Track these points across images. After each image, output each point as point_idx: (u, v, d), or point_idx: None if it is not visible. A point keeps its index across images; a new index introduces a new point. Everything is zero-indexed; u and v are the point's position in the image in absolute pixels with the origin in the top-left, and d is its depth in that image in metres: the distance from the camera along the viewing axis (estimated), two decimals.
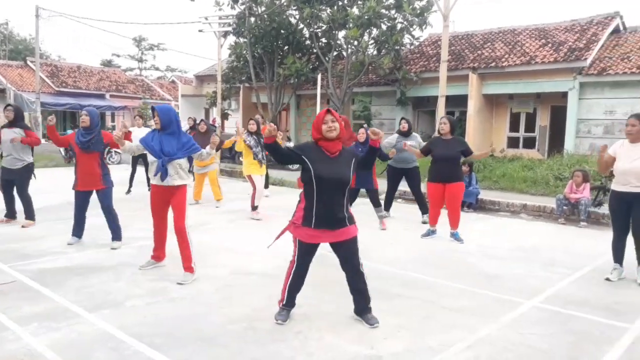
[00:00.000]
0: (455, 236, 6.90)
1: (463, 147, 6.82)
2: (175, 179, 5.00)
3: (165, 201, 5.11)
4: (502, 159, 15.68)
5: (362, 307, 3.99)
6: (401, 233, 7.48)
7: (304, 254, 3.90)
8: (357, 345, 3.57)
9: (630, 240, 5.21)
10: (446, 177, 6.74)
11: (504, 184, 12.04)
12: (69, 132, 18.12)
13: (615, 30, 17.39)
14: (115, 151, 17.58)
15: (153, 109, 5.00)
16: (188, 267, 5.02)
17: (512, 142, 18.11)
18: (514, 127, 18.11)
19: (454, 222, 6.91)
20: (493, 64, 16.84)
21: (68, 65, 34.57)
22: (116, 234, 6.26)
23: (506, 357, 3.44)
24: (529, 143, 17.79)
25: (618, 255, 5.28)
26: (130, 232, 6.83)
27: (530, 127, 17.80)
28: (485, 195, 10.29)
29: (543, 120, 17.54)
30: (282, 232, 3.98)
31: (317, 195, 3.69)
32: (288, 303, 4.05)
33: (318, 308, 4.19)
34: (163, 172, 4.92)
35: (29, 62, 32.15)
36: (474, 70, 16.89)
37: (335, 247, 3.87)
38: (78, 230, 6.34)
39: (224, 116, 23.66)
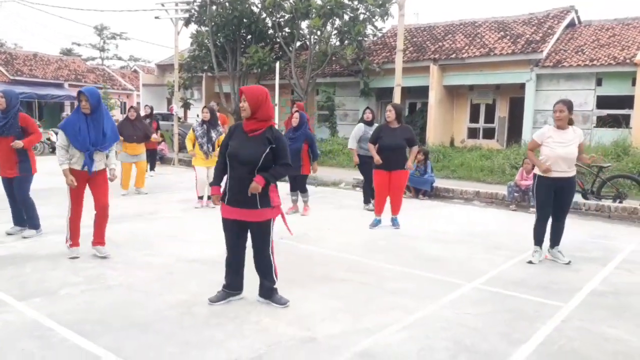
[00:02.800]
0: (394, 222, 6.92)
1: (408, 135, 6.78)
2: (101, 165, 5.03)
3: (84, 185, 5.08)
4: (462, 149, 15.93)
5: (266, 289, 3.96)
6: (357, 220, 7.48)
7: (225, 229, 3.92)
8: (294, 328, 3.54)
9: None
10: (392, 165, 6.69)
11: (461, 173, 12.23)
12: None
13: (571, 24, 17.84)
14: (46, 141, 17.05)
15: (79, 92, 4.85)
16: (102, 242, 5.20)
17: (472, 133, 18.42)
18: (474, 118, 18.41)
19: (395, 208, 6.95)
20: (453, 56, 17.04)
21: (24, 53, 33.33)
22: (31, 223, 5.96)
23: (441, 336, 3.47)
24: (489, 133, 18.12)
25: (540, 238, 5.41)
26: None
27: (489, 118, 18.12)
28: (442, 183, 10.41)
29: (502, 111, 17.88)
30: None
31: (229, 173, 3.79)
32: (226, 284, 4.02)
33: (257, 293, 4.13)
34: (89, 164, 4.89)
35: None
36: (434, 61, 17.07)
37: (249, 226, 3.85)
38: (16, 219, 6.07)
39: (186, 106, 23.27)
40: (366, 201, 8.41)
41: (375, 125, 8.19)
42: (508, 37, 17.11)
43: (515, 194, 8.83)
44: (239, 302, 3.98)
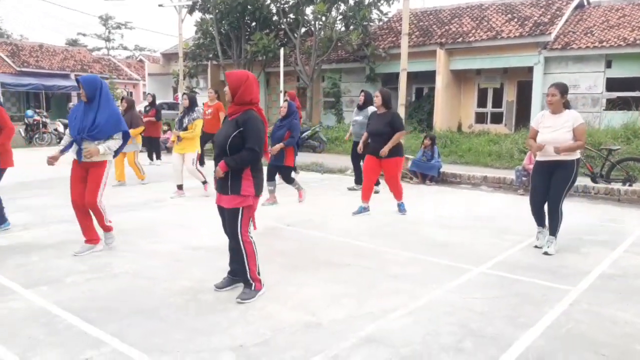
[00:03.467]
0: (400, 207, 6.85)
1: (389, 119, 6.47)
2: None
3: (82, 177, 4.83)
4: (469, 134, 15.81)
5: (242, 279, 3.85)
6: (356, 206, 7.42)
7: (218, 212, 3.93)
8: (298, 313, 3.53)
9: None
10: (379, 151, 6.50)
11: (469, 158, 12.14)
12: (29, 112, 17.59)
13: (579, 5, 17.55)
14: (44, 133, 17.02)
15: (77, 80, 4.79)
16: (105, 227, 5.02)
17: (480, 118, 18.27)
18: (482, 102, 18.25)
19: (396, 195, 6.83)
20: (460, 39, 16.85)
21: (29, 44, 33.36)
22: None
23: (445, 321, 3.44)
24: (497, 118, 17.96)
25: (538, 218, 5.32)
26: None
27: (497, 102, 17.95)
28: (449, 169, 10.34)
29: (510, 95, 17.70)
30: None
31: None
32: (230, 270, 4.03)
33: (262, 277, 4.12)
34: (78, 153, 4.73)
35: None
36: (441, 45, 16.88)
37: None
38: None
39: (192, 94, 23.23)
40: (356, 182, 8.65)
41: (368, 109, 8.14)
42: (515, 20, 16.87)
43: (523, 178, 8.75)
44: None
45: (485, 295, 3.91)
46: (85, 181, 4.83)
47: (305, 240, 5.54)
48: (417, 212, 6.97)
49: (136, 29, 70.15)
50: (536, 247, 5.23)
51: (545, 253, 5.03)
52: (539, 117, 5.20)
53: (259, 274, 3.85)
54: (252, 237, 3.79)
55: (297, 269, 4.47)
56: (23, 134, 16.81)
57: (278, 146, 7.15)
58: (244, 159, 3.60)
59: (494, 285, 4.15)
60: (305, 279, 4.23)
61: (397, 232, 5.95)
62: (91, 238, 4.99)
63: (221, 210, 3.86)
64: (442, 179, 9.83)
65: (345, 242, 5.42)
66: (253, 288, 3.80)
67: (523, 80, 17.06)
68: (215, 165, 3.70)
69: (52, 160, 4.87)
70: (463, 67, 17.33)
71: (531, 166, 8.58)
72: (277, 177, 7.44)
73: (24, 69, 29.25)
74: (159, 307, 3.64)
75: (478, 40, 16.52)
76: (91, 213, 4.93)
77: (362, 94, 8.30)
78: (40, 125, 16.92)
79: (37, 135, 16.75)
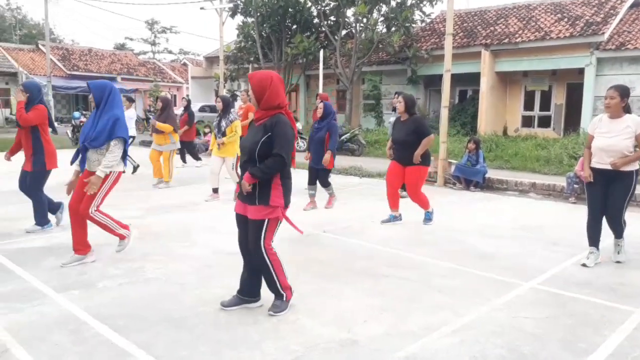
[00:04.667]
0: (425, 216, 6.44)
1: (412, 127, 6.04)
2: (97, 165, 4.50)
3: (85, 184, 4.50)
4: (515, 138, 15.22)
5: (271, 292, 3.59)
6: (403, 212, 7.13)
7: (236, 222, 3.65)
8: (333, 329, 3.32)
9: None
10: (404, 160, 6.14)
11: (515, 164, 11.62)
12: (76, 114, 18.11)
13: (635, 4, 16.65)
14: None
15: (88, 85, 4.58)
16: (118, 234, 4.77)
17: (527, 121, 17.61)
18: (529, 105, 17.59)
19: (420, 205, 6.39)
20: (506, 40, 16.27)
21: (79, 48, 34.57)
22: (37, 218, 5.75)
23: (493, 342, 3.15)
24: (544, 122, 17.26)
25: (594, 237, 4.82)
26: (122, 212, 6.64)
27: (545, 105, 17.26)
28: (494, 174, 9.90)
29: (559, 98, 16.97)
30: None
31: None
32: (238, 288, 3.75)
33: (296, 289, 3.92)
34: (82, 162, 4.53)
35: (40, 46, 32.17)
36: (486, 47, 16.35)
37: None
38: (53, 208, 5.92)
39: (233, 97, 23.41)
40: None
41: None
42: (566, 20, 16.15)
43: (575, 186, 8.25)
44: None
45: (537, 315, 3.59)
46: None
47: (343, 248, 5.32)
48: (460, 220, 6.64)
49: (181, 33, 71.75)
50: (584, 265, 4.72)
51: (618, 262, 4.72)
52: (596, 121, 4.79)
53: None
54: (274, 248, 3.53)
55: (333, 279, 4.26)
56: (70, 135, 17.29)
57: (328, 156, 6.94)
58: (271, 167, 3.33)
59: (546, 304, 3.81)
60: (341, 290, 4.01)
61: (439, 241, 5.65)
62: (78, 247, 4.66)
63: (241, 220, 3.59)
64: (487, 185, 9.40)
65: (384, 251, 5.16)
66: (284, 299, 3.60)
67: (573, 83, 16.31)
68: (242, 173, 3.45)
69: (71, 189, 4.61)
70: (509, 69, 16.72)
71: (583, 172, 8.12)
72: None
73: (73, 73, 30.33)
74: (187, 316, 3.50)
75: (525, 41, 15.89)
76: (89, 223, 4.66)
77: (396, 96, 8.00)
78: None
79: None
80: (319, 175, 7.19)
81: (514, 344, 3.12)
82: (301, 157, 7.41)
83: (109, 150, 4.48)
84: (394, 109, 7.96)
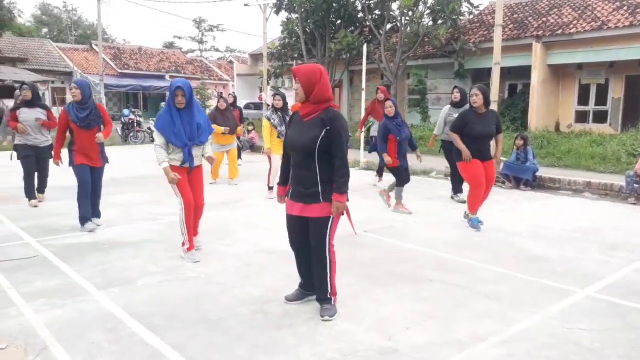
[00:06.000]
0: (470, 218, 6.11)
1: (497, 121, 6.04)
2: (199, 161, 4.86)
3: (186, 179, 4.76)
4: (569, 135, 14.53)
5: (319, 294, 3.53)
6: (448, 212, 6.92)
7: (287, 223, 3.61)
8: (373, 336, 3.17)
9: None
10: (485, 155, 5.94)
11: (568, 161, 11.07)
12: (125, 112, 18.59)
13: None
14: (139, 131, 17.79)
15: (178, 87, 4.56)
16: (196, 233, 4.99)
17: (581, 117, 16.76)
18: (583, 100, 16.72)
19: (481, 203, 6.08)
20: (560, 32, 15.51)
21: (130, 47, 35.60)
22: (99, 213, 6.01)
23: (546, 355, 2.92)
24: (600, 117, 16.38)
25: None
26: (162, 209, 6.73)
27: (601, 99, 16.36)
28: (546, 172, 9.44)
29: (616, 91, 16.05)
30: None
31: (291, 163, 3.48)
32: (301, 284, 3.73)
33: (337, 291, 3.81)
34: (190, 161, 4.67)
35: (94, 46, 33.31)
36: (538, 38, 15.65)
37: (309, 221, 3.44)
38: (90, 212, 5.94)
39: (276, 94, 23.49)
40: (455, 191, 7.78)
41: (466, 107, 7.47)
42: (625, 8, 15.24)
43: (636, 185, 7.73)
44: (315, 302, 3.66)
45: (595, 327, 3.31)
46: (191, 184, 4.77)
47: (385, 249, 5.14)
48: (510, 221, 6.33)
49: (227, 31, 72.90)
50: None
51: None
52: None
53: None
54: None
55: (374, 282, 4.11)
56: (120, 133, 17.79)
57: (421, 155, 7.19)
58: (345, 171, 3.28)
59: (605, 314, 3.53)
60: (383, 295, 3.85)
61: (487, 243, 5.38)
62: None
63: (297, 221, 3.50)
64: (538, 184, 8.97)
65: (429, 254, 4.96)
66: (333, 302, 3.52)
67: (632, 75, 15.37)
68: (298, 173, 3.36)
69: (177, 177, 4.58)
70: (563, 62, 15.93)
71: None
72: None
73: (124, 71, 31.23)
74: (224, 317, 3.43)
75: (580, 31, 15.09)
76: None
77: (457, 90, 7.69)
78: (135, 124, 17.80)
79: (131, 134, 17.65)
80: (408, 172, 6.97)
81: (570, 359, 2.88)
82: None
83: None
84: (456, 105, 7.61)
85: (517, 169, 8.92)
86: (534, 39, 15.65)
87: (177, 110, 4.57)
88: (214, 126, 8.86)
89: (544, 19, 16.66)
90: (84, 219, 5.73)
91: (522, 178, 8.86)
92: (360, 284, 4.08)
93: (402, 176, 6.85)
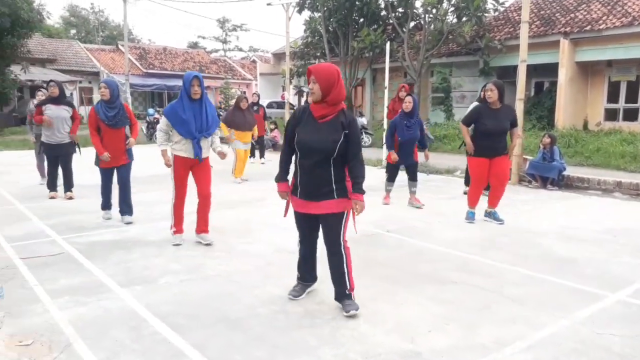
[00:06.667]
0: (494, 215, 6.11)
1: (512, 116, 5.99)
2: (207, 152, 5.19)
3: (188, 172, 5.18)
4: (597, 133, 14.17)
5: (338, 292, 3.55)
6: (466, 213, 6.78)
7: (298, 222, 3.67)
8: (395, 338, 3.11)
9: None
10: (495, 151, 5.87)
11: (597, 160, 10.81)
12: (150, 111, 18.81)
13: None
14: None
15: (194, 77, 4.82)
16: (206, 229, 5.24)
17: (610, 115, 16.34)
18: (613, 97, 16.29)
19: (497, 199, 6.10)
20: (588, 28, 15.14)
21: (155, 47, 36.10)
22: (131, 209, 6.10)
23: None
24: (631, 115, 15.94)
25: None
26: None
27: (632, 97, 15.91)
28: (574, 171, 9.22)
29: None
30: (288, 202, 3.71)
31: (299, 163, 3.47)
32: (302, 277, 3.79)
33: (357, 292, 3.75)
34: (198, 153, 4.98)
35: (120, 46, 33.86)
36: (565, 35, 15.31)
37: (320, 218, 3.50)
38: (109, 203, 6.24)
39: (300, 93, 23.52)
40: (467, 184, 7.75)
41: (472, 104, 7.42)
42: None
43: None
44: (335, 302, 3.62)
45: (626, 332, 3.20)
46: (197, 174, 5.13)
47: (407, 249, 5.07)
48: (537, 221, 6.19)
49: (250, 31, 73.31)
50: None
51: None
52: None
53: None
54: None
55: (396, 284, 4.05)
56: (145, 131, 18.01)
57: (429, 154, 7.45)
58: (362, 172, 3.36)
59: (637, 319, 3.41)
60: (405, 296, 3.79)
61: (513, 244, 5.26)
62: (206, 228, 5.26)
63: (311, 219, 3.55)
64: (566, 184, 8.76)
65: (453, 254, 4.87)
66: (352, 298, 3.52)
67: None
68: (316, 173, 3.36)
69: (169, 162, 5.12)
70: (591, 59, 15.55)
71: None
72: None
73: (149, 71, 31.68)
74: (244, 317, 3.42)
75: (610, 27, 14.70)
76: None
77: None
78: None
79: (156, 133, 17.83)
80: (414, 170, 7.10)
81: None
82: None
83: (215, 134, 5.13)
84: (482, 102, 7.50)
85: (542, 168, 8.73)
86: (562, 35, 15.32)
87: (190, 101, 4.82)
88: (222, 125, 8.96)
89: (572, 15, 16.29)
90: (103, 207, 6.17)
91: (549, 177, 8.67)
92: (380, 285, 4.02)
93: (393, 174, 7.28)
